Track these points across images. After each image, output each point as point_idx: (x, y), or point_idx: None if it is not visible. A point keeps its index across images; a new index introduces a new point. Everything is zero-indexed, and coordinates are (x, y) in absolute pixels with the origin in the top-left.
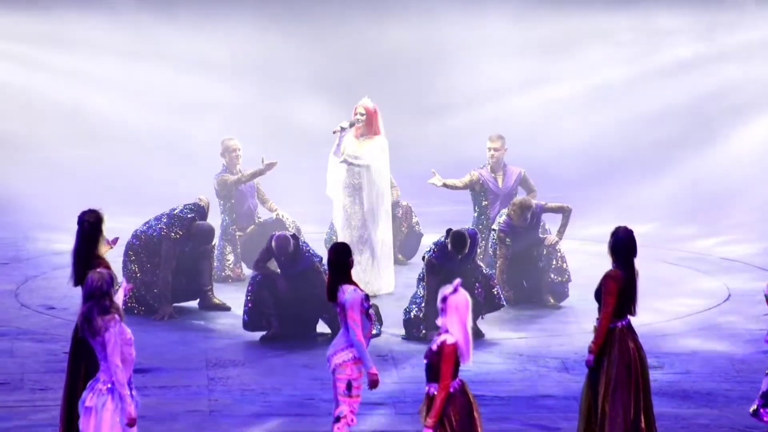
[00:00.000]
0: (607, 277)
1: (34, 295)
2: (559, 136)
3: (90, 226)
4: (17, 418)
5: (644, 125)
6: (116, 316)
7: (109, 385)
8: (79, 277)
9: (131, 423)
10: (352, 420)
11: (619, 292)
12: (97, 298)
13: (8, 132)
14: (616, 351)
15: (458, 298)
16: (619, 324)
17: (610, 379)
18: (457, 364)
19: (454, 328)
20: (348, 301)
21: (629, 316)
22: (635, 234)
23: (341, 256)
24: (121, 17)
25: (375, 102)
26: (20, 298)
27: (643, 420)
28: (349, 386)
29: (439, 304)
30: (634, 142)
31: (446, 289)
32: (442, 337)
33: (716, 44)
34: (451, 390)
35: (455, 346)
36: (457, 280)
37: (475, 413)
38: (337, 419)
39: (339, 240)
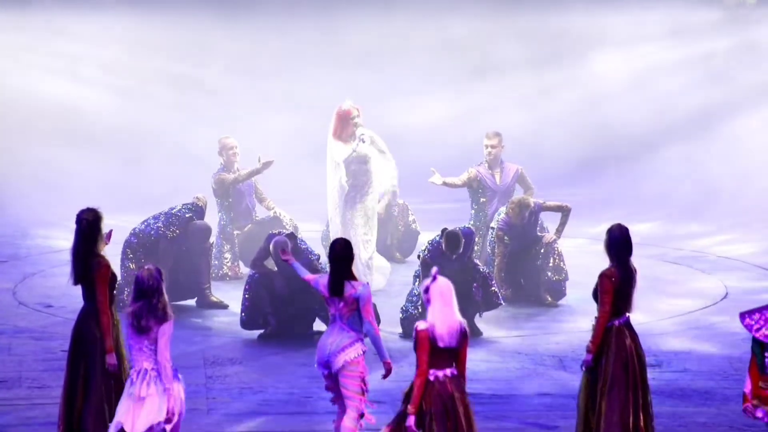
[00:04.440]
0: (602, 276)
1: (32, 293)
2: (557, 135)
3: (88, 224)
4: (15, 415)
5: (643, 124)
6: (169, 313)
7: (155, 374)
8: (78, 276)
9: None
10: (363, 416)
11: (615, 290)
12: (149, 296)
13: (6, 130)
14: (614, 349)
15: (440, 284)
16: (617, 322)
17: (607, 377)
18: (440, 351)
19: (435, 313)
20: (363, 296)
21: (627, 313)
22: (631, 232)
23: (347, 250)
24: (120, 14)
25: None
26: (18, 296)
27: (641, 418)
28: (364, 383)
29: (423, 295)
30: (632, 140)
31: (426, 281)
32: (416, 324)
33: (718, 41)
34: (431, 378)
35: (427, 331)
36: (435, 269)
37: (460, 406)
38: (362, 416)
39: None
